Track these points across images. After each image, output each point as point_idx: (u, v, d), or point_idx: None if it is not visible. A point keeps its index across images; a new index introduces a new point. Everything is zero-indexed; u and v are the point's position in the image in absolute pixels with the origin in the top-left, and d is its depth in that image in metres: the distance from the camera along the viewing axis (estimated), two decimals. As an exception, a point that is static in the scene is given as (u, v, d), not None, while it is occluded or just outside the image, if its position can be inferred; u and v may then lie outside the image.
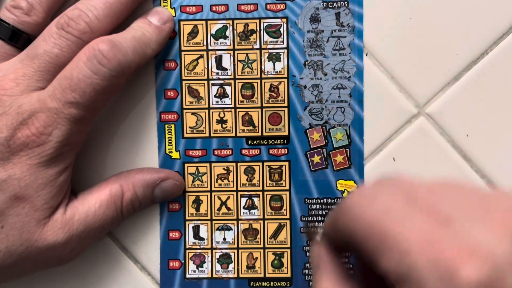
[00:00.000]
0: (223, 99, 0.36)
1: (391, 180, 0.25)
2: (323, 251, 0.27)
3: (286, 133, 0.36)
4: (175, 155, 0.37)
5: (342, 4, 0.36)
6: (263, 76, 0.36)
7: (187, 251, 0.37)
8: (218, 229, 0.37)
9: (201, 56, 0.36)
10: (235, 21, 0.36)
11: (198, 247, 0.37)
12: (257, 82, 0.36)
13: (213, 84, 0.36)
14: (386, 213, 0.23)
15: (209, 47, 0.36)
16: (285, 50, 0.36)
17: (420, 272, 0.21)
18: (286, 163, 0.37)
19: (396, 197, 0.23)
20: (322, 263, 0.26)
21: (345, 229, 0.24)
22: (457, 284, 0.20)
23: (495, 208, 0.22)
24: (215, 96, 0.36)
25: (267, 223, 0.37)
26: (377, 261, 0.22)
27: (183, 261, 0.37)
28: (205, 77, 0.36)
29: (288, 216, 0.37)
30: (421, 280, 0.21)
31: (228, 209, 0.37)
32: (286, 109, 0.36)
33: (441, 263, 0.20)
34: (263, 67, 0.36)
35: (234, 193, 0.37)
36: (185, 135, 0.37)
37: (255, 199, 0.37)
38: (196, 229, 0.37)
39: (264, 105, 0.36)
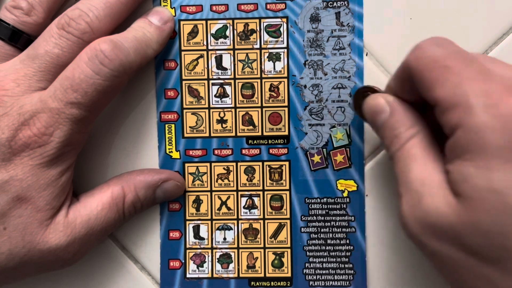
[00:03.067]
0: (223, 99, 0.36)
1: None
2: (391, 96, 0.32)
3: (286, 133, 0.36)
4: (175, 155, 0.37)
5: (342, 3, 0.36)
6: (263, 75, 0.36)
7: (188, 251, 0.37)
8: (218, 228, 0.37)
9: (201, 56, 0.36)
10: (235, 21, 0.36)
11: (198, 247, 0.37)
12: (257, 82, 0.36)
13: (213, 84, 0.36)
14: (452, 54, 0.27)
15: (209, 47, 0.36)
16: (285, 50, 0.36)
17: (470, 99, 0.25)
18: (286, 163, 0.37)
19: (460, 49, 0.28)
20: (395, 104, 0.31)
21: (413, 64, 0.29)
22: (499, 110, 0.25)
23: None
24: (215, 96, 0.36)
25: (267, 222, 0.37)
26: (434, 89, 0.27)
27: (183, 261, 0.37)
28: (205, 77, 0.36)
29: (288, 216, 0.37)
30: (470, 105, 0.25)
31: (228, 208, 0.37)
32: (286, 109, 0.36)
33: (489, 94, 0.25)
34: (263, 67, 0.36)
35: (234, 193, 0.37)
36: (185, 135, 0.37)
37: (255, 199, 0.37)
38: (196, 229, 0.37)
39: (264, 104, 0.36)
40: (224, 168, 0.37)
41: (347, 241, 0.37)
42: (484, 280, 0.26)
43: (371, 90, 0.34)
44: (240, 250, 0.37)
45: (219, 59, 0.36)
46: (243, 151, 0.37)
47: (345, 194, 0.36)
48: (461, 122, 0.26)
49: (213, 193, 0.37)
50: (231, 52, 0.36)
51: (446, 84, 0.27)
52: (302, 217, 0.37)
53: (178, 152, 0.37)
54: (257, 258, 0.37)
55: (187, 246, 0.37)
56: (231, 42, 0.36)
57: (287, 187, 0.37)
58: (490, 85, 0.25)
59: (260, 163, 0.37)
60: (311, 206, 0.37)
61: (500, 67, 0.27)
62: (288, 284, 0.37)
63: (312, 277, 0.37)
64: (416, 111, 0.31)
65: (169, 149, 0.37)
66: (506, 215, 0.24)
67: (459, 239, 0.26)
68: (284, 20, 0.36)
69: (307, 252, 0.37)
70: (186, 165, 0.37)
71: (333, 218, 0.37)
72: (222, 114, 0.36)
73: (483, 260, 0.26)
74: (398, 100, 0.31)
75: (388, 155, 0.31)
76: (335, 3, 0.36)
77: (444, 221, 0.26)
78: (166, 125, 0.37)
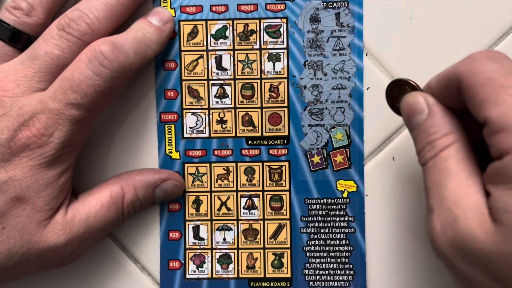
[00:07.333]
0: (223, 99, 0.36)
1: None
2: (431, 97, 0.30)
3: (286, 133, 0.36)
4: (175, 155, 0.37)
5: (342, 4, 0.36)
6: (263, 76, 0.36)
7: (187, 251, 0.37)
8: (218, 229, 0.37)
9: (201, 57, 0.36)
10: (235, 21, 0.36)
11: (198, 247, 0.37)
12: (257, 82, 0.36)
13: (213, 84, 0.36)
14: (509, 72, 0.25)
15: (209, 47, 0.36)
16: (285, 50, 0.36)
17: None
18: (286, 163, 0.37)
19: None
20: (434, 107, 0.29)
21: (465, 77, 0.27)
22: None
23: None
24: (215, 96, 0.36)
25: (267, 223, 0.37)
26: (486, 108, 0.25)
27: (183, 261, 0.37)
28: (205, 77, 0.36)
29: (288, 216, 0.37)
30: None
31: (228, 209, 0.37)
32: (286, 109, 0.36)
33: None
34: (263, 67, 0.36)
35: (234, 193, 0.37)
36: (185, 136, 0.37)
37: (255, 199, 0.37)
38: (196, 229, 0.37)
39: (264, 105, 0.36)
40: (224, 169, 0.37)
41: (347, 242, 0.37)
42: None
43: (410, 85, 0.32)
44: (240, 251, 0.37)
45: (219, 60, 0.36)
46: (243, 152, 0.37)
47: (344, 195, 0.36)
48: None
49: (213, 194, 0.37)
50: (231, 52, 0.36)
51: (500, 104, 0.25)
52: (302, 217, 0.37)
53: (178, 152, 0.37)
54: (256, 258, 0.37)
55: (187, 246, 0.37)
56: (231, 42, 0.36)
57: (287, 188, 0.37)
58: None
59: (260, 164, 0.37)
60: (311, 206, 0.37)
61: None
62: (288, 285, 0.37)
63: (312, 277, 0.37)
64: (455, 118, 0.29)
65: (169, 149, 0.37)
66: None
67: (490, 266, 0.25)
68: (284, 20, 0.36)
69: (307, 253, 0.37)
70: (186, 165, 0.37)
71: (333, 218, 0.37)
72: (222, 115, 0.37)
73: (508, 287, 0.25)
74: (439, 103, 0.29)
75: (419, 161, 0.30)
76: (335, 3, 0.36)
77: (478, 247, 0.25)
78: (166, 126, 0.37)
